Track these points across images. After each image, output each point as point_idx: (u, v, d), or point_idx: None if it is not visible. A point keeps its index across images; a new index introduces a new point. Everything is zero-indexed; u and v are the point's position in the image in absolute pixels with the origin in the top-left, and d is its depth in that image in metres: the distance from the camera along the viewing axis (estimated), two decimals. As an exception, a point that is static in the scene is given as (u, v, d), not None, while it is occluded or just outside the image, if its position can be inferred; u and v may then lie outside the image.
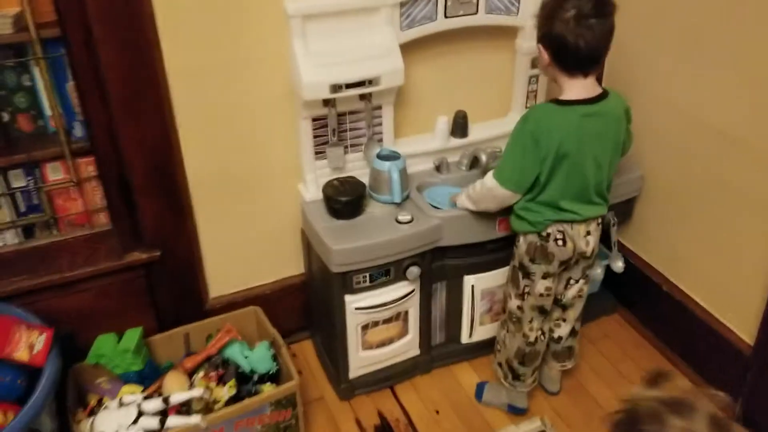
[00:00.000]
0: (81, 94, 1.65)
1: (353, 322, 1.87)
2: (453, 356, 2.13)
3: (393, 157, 1.84)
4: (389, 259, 1.80)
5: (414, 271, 1.84)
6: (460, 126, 2.00)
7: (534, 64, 2.00)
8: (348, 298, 1.83)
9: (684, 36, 1.87)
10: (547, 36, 1.54)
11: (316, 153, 1.87)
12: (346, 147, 1.90)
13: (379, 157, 1.85)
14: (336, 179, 1.86)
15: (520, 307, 1.81)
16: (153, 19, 1.61)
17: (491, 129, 2.06)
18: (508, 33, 1.98)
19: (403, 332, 1.99)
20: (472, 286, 1.98)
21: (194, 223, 1.92)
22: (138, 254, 1.85)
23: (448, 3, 1.80)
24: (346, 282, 1.80)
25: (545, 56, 1.56)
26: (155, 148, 1.75)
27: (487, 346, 2.06)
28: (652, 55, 1.98)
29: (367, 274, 1.80)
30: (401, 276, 1.84)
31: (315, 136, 1.84)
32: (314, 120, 1.81)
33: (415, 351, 2.05)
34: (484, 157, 1.93)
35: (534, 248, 1.70)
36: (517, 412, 1.96)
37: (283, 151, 1.92)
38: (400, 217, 1.80)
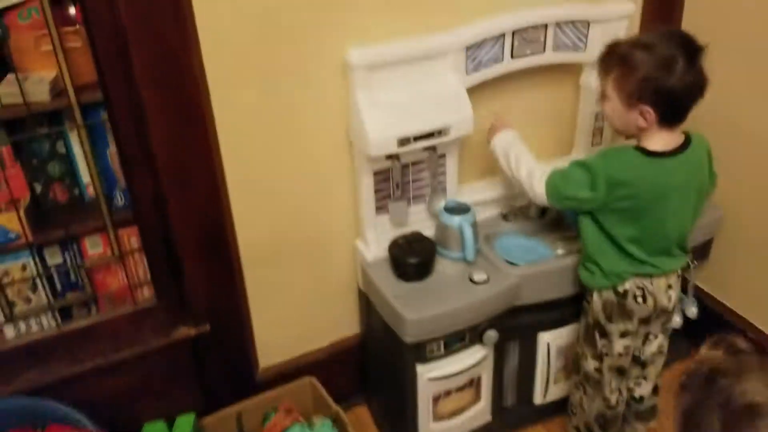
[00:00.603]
0: (124, 162, 1.49)
1: (425, 393, 1.71)
2: (526, 419, 1.97)
3: (462, 209, 1.69)
4: (465, 324, 1.64)
5: (491, 335, 1.68)
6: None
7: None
8: (420, 368, 1.67)
9: (756, 57, 1.75)
10: (656, 93, 1.37)
11: (377, 208, 1.71)
12: (408, 200, 1.74)
13: (447, 210, 1.69)
14: (402, 237, 1.70)
15: (598, 369, 1.65)
16: (204, 78, 1.45)
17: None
18: (572, 69, 1.85)
19: (476, 399, 1.82)
20: (548, 344, 1.82)
21: (245, 290, 1.75)
22: (186, 329, 1.69)
23: (515, 43, 1.66)
24: (420, 352, 1.64)
25: (651, 116, 1.40)
26: (205, 215, 1.59)
27: (562, 406, 1.89)
28: (724, 77, 1.84)
29: (442, 342, 1.64)
30: (477, 340, 1.69)
31: (376, 191, 1.68)
32: (376, 174, 1.66)
33: (488, 417, 1.88)
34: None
35: (611, 306, 1.55)
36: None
37: (340, 208, 1.77)
38: (476, 277, 1.64)
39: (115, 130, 1.45)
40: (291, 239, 1.75)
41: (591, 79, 1.83)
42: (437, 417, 1.78)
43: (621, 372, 1.67)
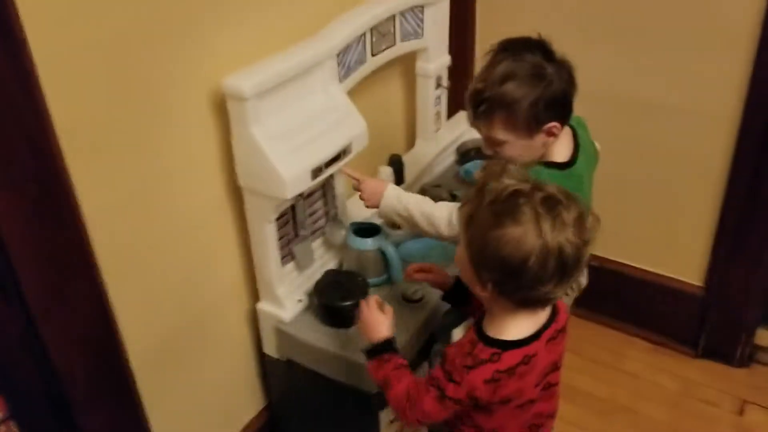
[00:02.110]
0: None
1: (388, 438, 1.53)
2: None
3: (372, 230, 1.52)
4: (417, 348, 1.49)
5: (437, 348, 1.56)
6: (398, 173, 1.74)
7: (438, 83, 1.83)
8: (382, 415, 1.48)
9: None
10: (550, 106, 1.26)
11: (281, 257, 1.45)
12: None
13: (357, 233, 1.51)
14: (322, 282, 1.47)
15: None
16: (61, 158, 1.04)
17: (413, 165, 1.84)
18: (408, 58, 1.77)
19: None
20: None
21: (145, 418, 1.35)
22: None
23: (374, 39, 1.53)
24: (382, 397, 1.45)
25: (558, 128, 1.29)
26: (91, 334, 1.17)
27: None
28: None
29: (399, 377, 1.47)
30: (424, 359, 1.56)
31: (279, 238, 1.42)
32: (277, 219, 1.40)
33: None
34: (445, 196, 1.71)
35: None
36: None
37: (225, 274, 1.48)
38: (410, 295, 1.50)
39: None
40: (180, 328, 1.40)
41: (427, 65, 1.79)
42: (395, 458, 1.61)
43: None
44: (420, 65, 1.79)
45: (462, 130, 2.04)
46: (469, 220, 1.04)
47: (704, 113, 1.80)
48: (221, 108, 1.31)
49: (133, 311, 1.26)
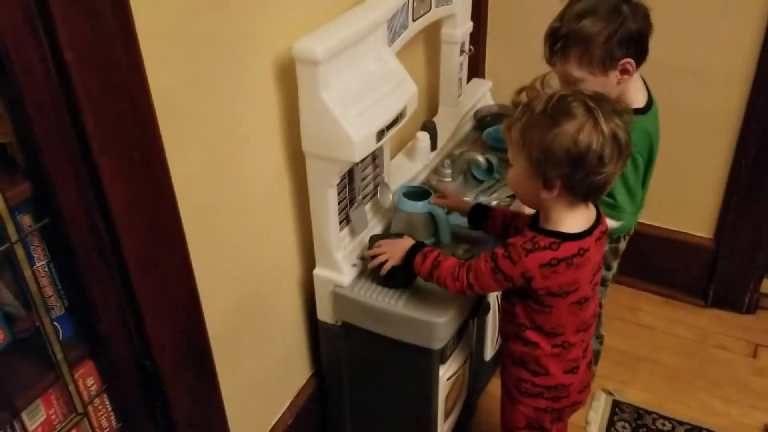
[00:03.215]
0: (79, 273, 0.99)
1: (443, 395, 1.57)
2: (484, 378, 1.94)
3: (422, 193, 1.54)
4: (470, 307, 1.53)
5: (487, 306, 1.61)
6: (433, 138, 1.77)
7: (462, 50, 1.86)
8: (441, 371, 1.52)
9: None
10: (628, 42, 1.34)
11: (339, 222, 1.47)
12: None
13: (407, 197, 1.53)
14: (372, 243, 1.49)
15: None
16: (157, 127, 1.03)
17: (441, 131, 1.87)
18: (433, 25, 1.79)
19: (462, 379, 1.74)
20: (497, 298, 1.81)
21: (219, 387, 1.35)
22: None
23: (414, 5, 1.54)
24: (443, 354, 1.49)
25: (632, 65, 1.36)
26: (181, 311, 1.17)
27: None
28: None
29: (455, 334, 1.51)
30: (476, 319, 1.60)
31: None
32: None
33: (465, 393, 1.81)
34: (481, 160, 1.74)
35: (607, 254, 1.61)
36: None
37: (284, 243, 1.48)
38: (460, 254, 1.53)
39: (61, 229, 0.95)
40: (244, 298, 1.41)
41: (454, 30, 1.81)
42: (446, 415, 1.65)
43: None
44: (446, 32, 1.82)
45: (479, 96, 2.07)
46: (524, 133, 1.14)
47: (717, 73, 1.88)
48: (283, 75, 1.31)
49: (209, 281, 1.25)
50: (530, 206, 1.27)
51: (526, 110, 1.14)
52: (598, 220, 1.24)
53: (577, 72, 1.37)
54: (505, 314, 1.34)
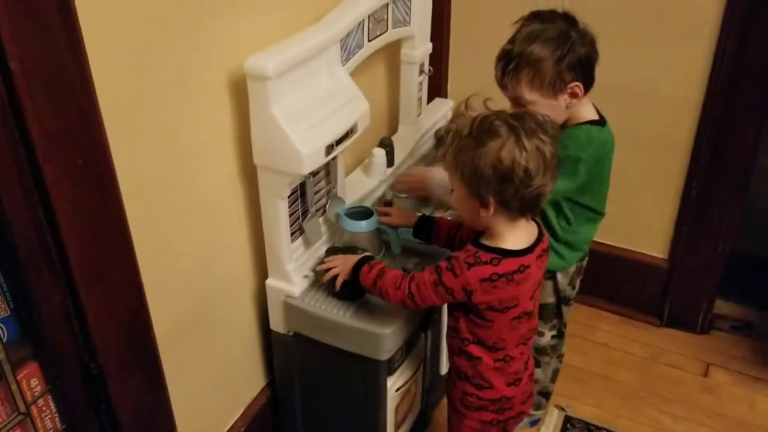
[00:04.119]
0: (23, 274, 1.03)
1: (392, 406, 1.60)
2: (439, 392, 1.97)
3: (365, 213, 1.58)
4: (418, 319, 1.57)
5: (435, 317, 1.65)
6: (389, 154, 1.82)
7: (421, 70, 1.91)
8: (389, 382, 1.55)
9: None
10: (576, 66, 1.41)
11: (291, 234, 1.51)
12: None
13: (350, 217, 1.56)
14: (332, 254, 1.52)
15: (556, 336, 1.75)
16: (102, 128, 1.07)
17: (399, 148, 1.92)
18: (390, 45, 1.85)
19: (414, 392, 1.77)
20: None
21: (167, 391, 1.38)
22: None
23: (370, 26, 1.60)
24: (390, 365, 1.53)
25: (580, 88, 1.42)
26: (125, 308, 1.20)
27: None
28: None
29: (404, 346, 1.55)
30: (423, 330, 1.64)
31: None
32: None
33: (419, 406, 1.85)
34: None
35: (572, 274, 1.66)
36: (536, 423, 1.93)
37: (236, 253, 1.52)
38: (411, 267, 1.58)
39: (4, 229, 0.99)
40: (194, 306, 1.44)
41: (413, 51, 1.87)
42: (397, 426, 1.68)
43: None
44: (405, 52, 1.87)
45: (440, 115, 2.13)
46: (455, 157, 1.20)
47: (668, 98, 1.95)
48: (236, 89, 1.36)
49: (159, 287, 1.29)
50: (475, 226, 1.30)
51: (455, 136, 1.20)
52: (540, 238, 1.29)
53: (528, 94, 1.42)
54: (450, 330, 1.38)
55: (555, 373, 1.85)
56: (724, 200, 1.98)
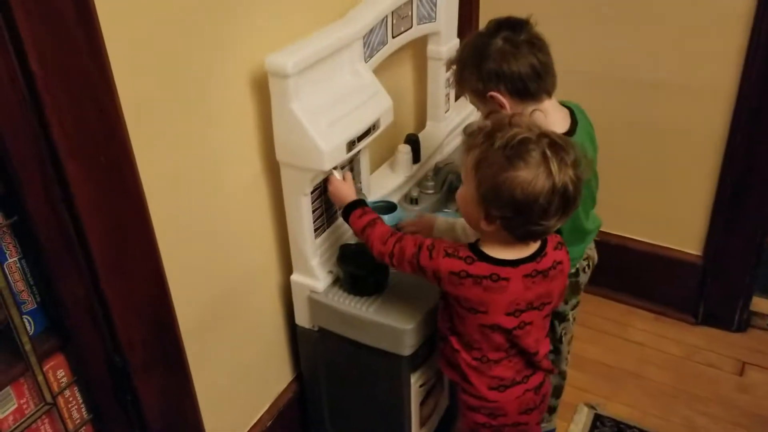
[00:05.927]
0: (48, 269, 1.06)
1: (416, 402, 1.60)
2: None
3: (388, 207, 1.58)
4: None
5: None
6: (415, 151, 1.81)
7: (449, 66, 1.90)
8: (413, 378, 1.55)
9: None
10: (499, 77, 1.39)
11: (314, 230, 1.52)
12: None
13: (376, 209, 1.57)
14: (342, 254, 1.53)
15: (554, 351, 1.67)
16: (126, 129, 1.10)
17: (426, 145, 1.91)
18: (418, 42, 1.85)
19: (441, 388, 1.77)
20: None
21: (192, 384, 1.40)
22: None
23: (394, 22, 1.60)
24: (414, 361, 1.53)
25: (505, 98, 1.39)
26: (149, 305, 1.23)
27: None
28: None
29: (428, 342, 1.55)
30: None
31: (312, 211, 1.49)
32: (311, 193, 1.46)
33: (446, 401, 1.84)
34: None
35: (565, 291, 1.61)
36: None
37: (261, 248, 1.54)
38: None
39: (28, 225, 1.02)
40: (220, 301, 1.46)
41: (439, 47, 1.86)
42: (423, 421, 1.68)
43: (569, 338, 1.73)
44: (432, 48, 1.87)
45: (468, 111, 2.12)
46: (479, 163, 1.15)
47: (701, 89, 1.90)
48: (259, 86, 1.37)
49: (183, 281, 1.31)
50: (471, 226, 1.28)
51: (486, 139, 1.14)
52: (534, 257, 1.23)
53: (469, 98, 1.47)
54: (438, 312, 1.38)
55: (557, 389, 1.78)
56: (760, 194, 1.93)
